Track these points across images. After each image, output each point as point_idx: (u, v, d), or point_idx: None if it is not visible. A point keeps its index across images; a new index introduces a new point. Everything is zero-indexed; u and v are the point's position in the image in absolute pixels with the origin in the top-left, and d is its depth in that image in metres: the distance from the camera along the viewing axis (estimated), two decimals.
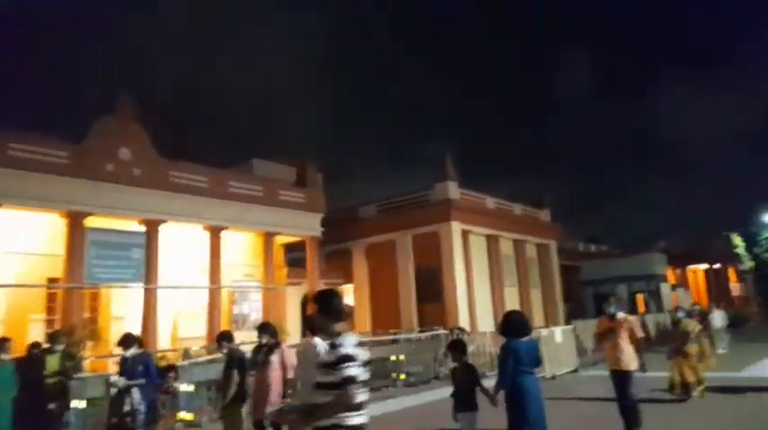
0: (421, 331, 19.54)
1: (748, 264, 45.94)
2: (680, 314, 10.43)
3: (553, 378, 12.92)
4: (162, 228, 17.03)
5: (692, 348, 9.18)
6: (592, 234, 42.61)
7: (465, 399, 5.42)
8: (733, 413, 8.33)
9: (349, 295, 27.64)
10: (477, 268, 24.97)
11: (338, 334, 3.06)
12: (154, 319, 16.35)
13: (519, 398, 4.97)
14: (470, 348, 11.01)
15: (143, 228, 16.78)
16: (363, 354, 3.03)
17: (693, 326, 9.62)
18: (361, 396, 2.94)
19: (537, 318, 27.20)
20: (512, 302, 25.60)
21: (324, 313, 3.18)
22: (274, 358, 5.87)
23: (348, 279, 26.94)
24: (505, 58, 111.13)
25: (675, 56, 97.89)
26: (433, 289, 23.77)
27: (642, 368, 6.52)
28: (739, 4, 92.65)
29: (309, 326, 4.85)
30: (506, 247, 27.36)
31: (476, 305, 24.10)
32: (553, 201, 31.07)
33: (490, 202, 26.80)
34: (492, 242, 26.18)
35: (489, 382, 5.55)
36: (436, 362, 14.21)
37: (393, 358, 13.52)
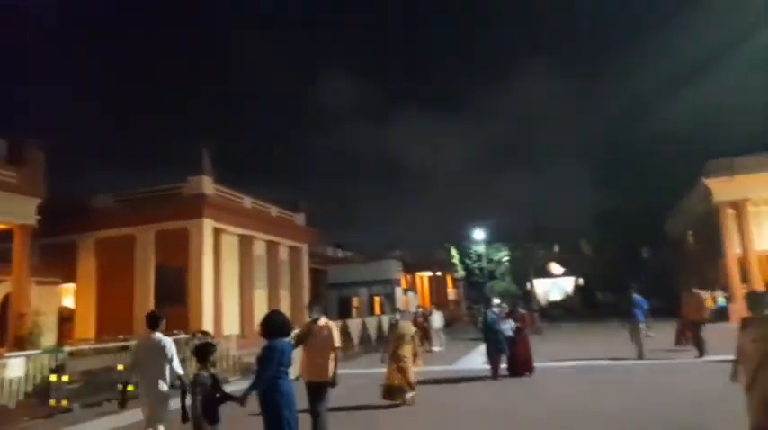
0: None
1: (461, 272, 54.52)
2: (397, 316, 10.57)
3: (297, 379, 13.01)
4: None
5: (406, 349, 9.12)
6: (340, 241, 45.09)
7: (209, 411, 4.94)
8: (442, 402, 9.47)
9: (69, 296, 23.83)
10: (227, 269, 24.03)
11: None
12: None
13: (277, 399, 4.86)
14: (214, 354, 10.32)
15: None
16: None
17: (408, 328, 9.57)
18: None
19: None
20: (261, 304, 25.32)
21: None
22: None
23: (70, 277, 23.22)
24: (276, 72, 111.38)
25: (418, 90, 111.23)
26: (176, 290, 21.98)
27: (332, 381, 6.00)
28: (467, 54, 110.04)
29: None
30: (260, 248, 27.03)
31: (222, 307, 23.13)
32: (309, 207, 31.85)
33: (247, 202, 26.18)
34: (245, 242, 25.56)
35: (232, 387, 5.16)
36: None
37: (121, 367, 11.94)
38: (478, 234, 48.85)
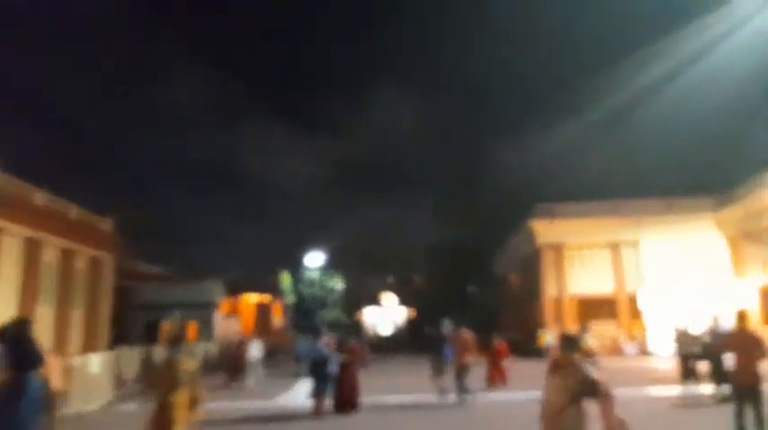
0: None
1: (291, 298, 53.93)
2: (175, 352, 6.68)
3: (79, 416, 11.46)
4: None
5: (181, 396, 6.32)
6: (162, 255, 41.88)
7: None
8: None
9: None
10: (3, 278, 20.67)
11: None
12: None
13: None
14: None
15: None
16: None
17: (190, 364, 6.73)
18: None
19: (75, 343, 24.32)
20: (45, 326, 22.13)
21: None
22: None
23: None
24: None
25: (272, 101, 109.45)
26: None
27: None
28: (321, 66, 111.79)
29: None
30: (51, 256, 23.78)
31: None
32: (124, 212, 29.04)
33: (40, 197, 22.95)
34: (33, 247, 22.29)
35: None
36: None
37: None
38: (315, 258, 48.88)
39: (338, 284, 58.26)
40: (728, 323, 13.31)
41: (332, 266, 55.94)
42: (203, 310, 32.62)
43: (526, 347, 28.34)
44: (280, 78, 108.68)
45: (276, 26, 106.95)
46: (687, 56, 30.60)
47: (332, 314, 52.79)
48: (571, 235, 29.21)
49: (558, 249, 29.40)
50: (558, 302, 28.86)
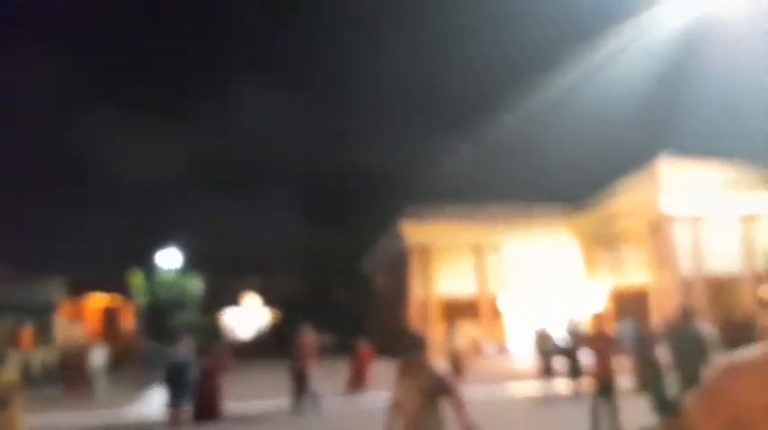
0: None
1: (144, 300, 50.54)
2: None
3: None
4: None
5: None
6: None
7: None
8: None
9: None
10: None
11: None
12: None
13: None
14: None
15: None
16: None
17: (9, 378, 6.07)
18: None
19: None
20: None
21: None
22: None
23: None
24: None
25: (127, 85, 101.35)
26: None
27: None
28: (181, 58, 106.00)
29: None
30: None
31: None
32: None
33: None
34: None
35: None
36: None
37: None
38: (171, 257, 46.24)
39: (196, 285, 55.60)
40: (582, 323, 14.70)
41: (190, 266, 53.29)
42: (40, 313, 29.54)
43: (394, 350, 29.07)
44: (136, 67, 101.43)
45: (132, 9, 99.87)
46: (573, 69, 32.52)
47: (189, 317, 50.20)
48: (438, 237, 30.45)
49: (425, 250, 30.51)
50: (425, 303, 29.96)
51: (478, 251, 30.95)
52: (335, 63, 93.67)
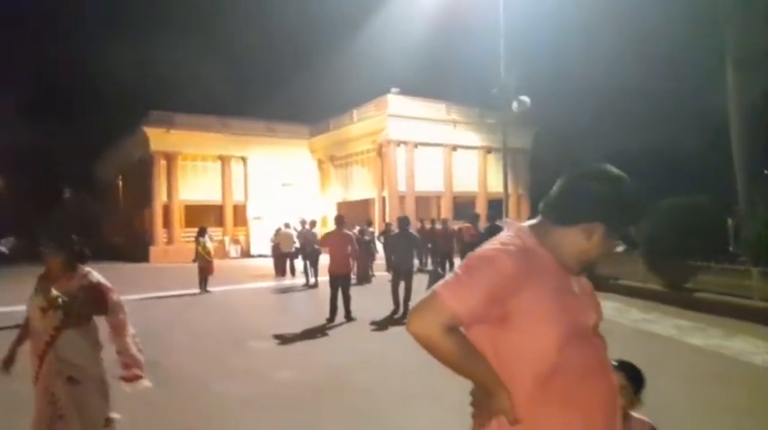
0: None
1: None
2: None
3: None
4: None
5: None
6: None
7: None
8: None
9: None
10: None
11: None
12: None
13: None
14: None
15: None
16: None
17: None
18: None
19: None
20: None
21: None
22: None
23: None
24: None
25: None
26: None
27: None
28: None
29: None
30: None
31: None
32: None
33: None
34: None
35: None
36: None
37: None
38: None
39: None
40: (312, 227, 16.88)
41: None
42: None
43: (133, 254, 28.48)
44: None
45: None
46: None
47: None
48: (185, 145, 29.76)
49: (171, 157, 29.62)
50: (168, 209, 29.48)
51: (225, 161, 31.27)
52: None
